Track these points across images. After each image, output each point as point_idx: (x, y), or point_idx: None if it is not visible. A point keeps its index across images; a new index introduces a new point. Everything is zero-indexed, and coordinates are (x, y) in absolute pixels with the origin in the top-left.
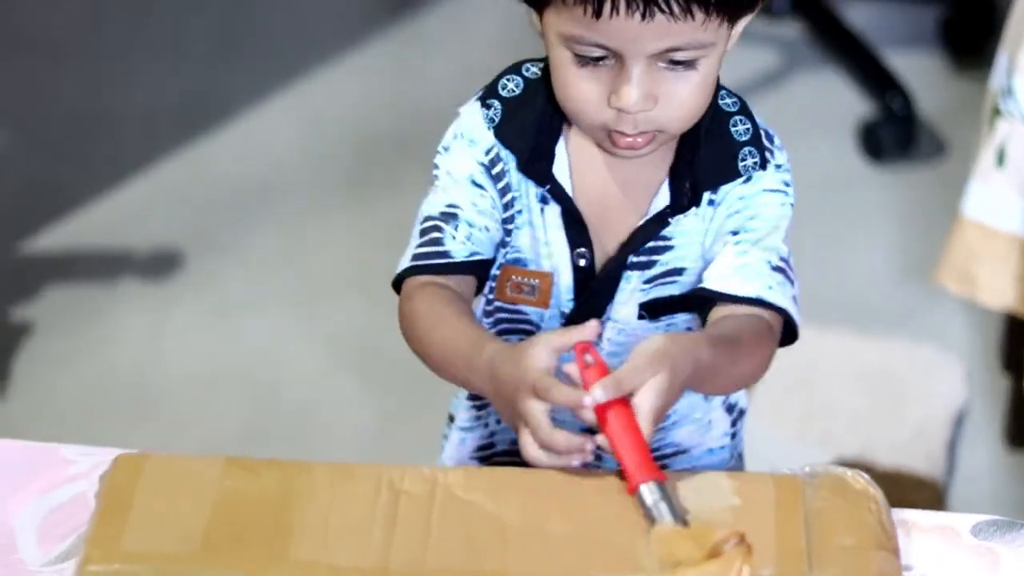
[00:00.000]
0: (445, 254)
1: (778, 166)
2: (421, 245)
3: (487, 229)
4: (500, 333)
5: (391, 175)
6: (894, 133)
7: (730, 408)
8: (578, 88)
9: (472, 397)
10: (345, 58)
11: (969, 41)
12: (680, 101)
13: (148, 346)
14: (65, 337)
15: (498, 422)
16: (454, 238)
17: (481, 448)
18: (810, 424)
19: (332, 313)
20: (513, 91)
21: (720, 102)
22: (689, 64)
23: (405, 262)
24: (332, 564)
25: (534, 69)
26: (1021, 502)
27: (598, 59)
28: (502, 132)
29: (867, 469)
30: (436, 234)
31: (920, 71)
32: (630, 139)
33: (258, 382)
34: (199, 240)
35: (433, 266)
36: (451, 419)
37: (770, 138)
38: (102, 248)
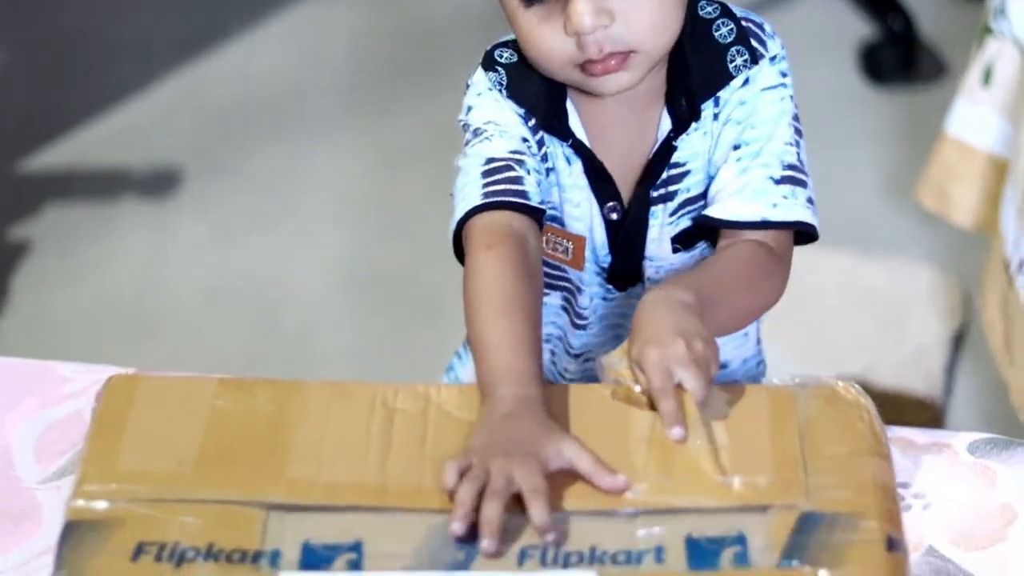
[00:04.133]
0: (523, 194)
1: (772, 58)
2: (494, 183)
3: (542, 182)
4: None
5: (390, 98)
6: (895, 55)
7: None
8: (535, 33)
9: None
10: None
11: None
12: (640, 12)
13: (147, 266)
14: (64, 256)
15: None
16: (527, 178)
17: None
18: (810, 345)
19: (332, 235)
20: (510, 59)
21: (700, 12)
22: None
23: (472, 201)
24: (330, 481)
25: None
26: (1017, 421)
27: None
28: (514, 93)
29: (867, 389)
30: (511, 172)
31: None
32: (601, 65)
33: (258, 303)
34: (199, 161)
35: (512, 204)
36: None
37: (760, 29)
38: (102, 168)
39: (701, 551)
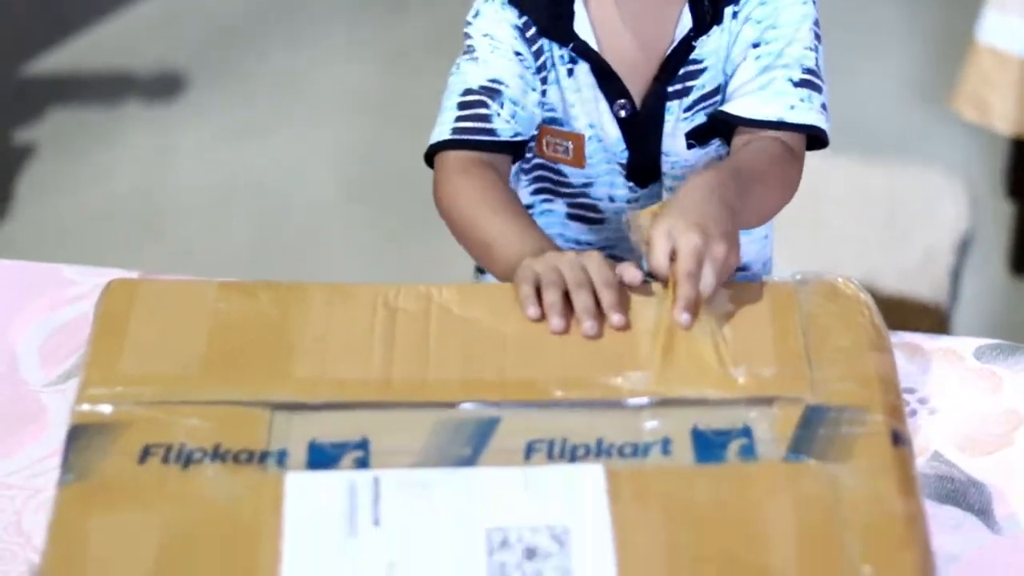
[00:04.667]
0: (492, 131)
1: None
2: (464, 119)
3: (527, 107)
4: (538, 192)
5: None
6: None
7: None
8: None
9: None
10: None
11: None
12: None
13: (153, 169)
14: (69, 160)
15: None
16: (499, 115)
17: None
18: (816, 249)
19: (338, 135)
20: None
21: None
22: None
23: (443, 133)
24: (336, 378)
25: None
26: (1023, 327)
27: None
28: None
29: (872, 294)
30: (482, 109)
31: None
32: None
33: (263, 205)
34: (204, 62)
35: (478, 143)
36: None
37: None
38: (106, 70)
39: (707, 443)
